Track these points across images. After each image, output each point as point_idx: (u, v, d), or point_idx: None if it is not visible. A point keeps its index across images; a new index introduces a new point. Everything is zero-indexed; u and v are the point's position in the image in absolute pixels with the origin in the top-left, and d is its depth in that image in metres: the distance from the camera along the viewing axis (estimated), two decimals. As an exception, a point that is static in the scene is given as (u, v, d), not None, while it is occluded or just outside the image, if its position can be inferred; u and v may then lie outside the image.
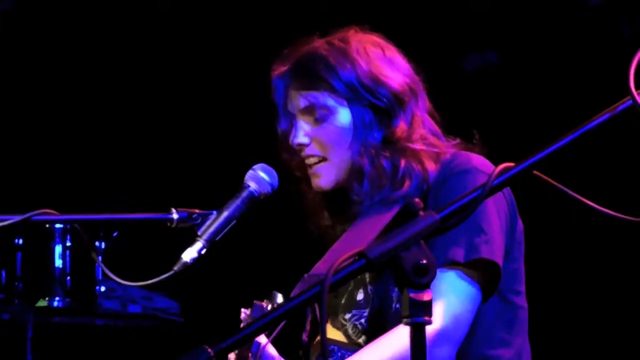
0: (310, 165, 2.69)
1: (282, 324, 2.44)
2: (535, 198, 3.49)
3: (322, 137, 2.66)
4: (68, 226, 5.18)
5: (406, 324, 1.72)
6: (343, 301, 2.71)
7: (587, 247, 5.03)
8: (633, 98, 1.71)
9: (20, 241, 5.31)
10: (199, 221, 2.56)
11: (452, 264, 2.48)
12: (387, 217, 2.56)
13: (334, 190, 2.70)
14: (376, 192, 2.61)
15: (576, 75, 5.03)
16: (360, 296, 2.68)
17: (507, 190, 2.62)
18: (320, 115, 2.66)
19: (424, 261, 1.70)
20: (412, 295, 1.70)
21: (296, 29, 2.78)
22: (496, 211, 2.56)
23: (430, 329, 2.15)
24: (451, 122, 2.76)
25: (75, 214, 2.56)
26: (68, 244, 5.32)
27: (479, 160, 2.61)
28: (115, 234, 5.40)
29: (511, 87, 5.23)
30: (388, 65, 2.66)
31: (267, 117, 2.80)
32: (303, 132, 2.68)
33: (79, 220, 2.58)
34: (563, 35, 5.10)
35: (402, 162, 2.60)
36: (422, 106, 2.70)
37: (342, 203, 2.71)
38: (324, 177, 2.67)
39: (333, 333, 2.68)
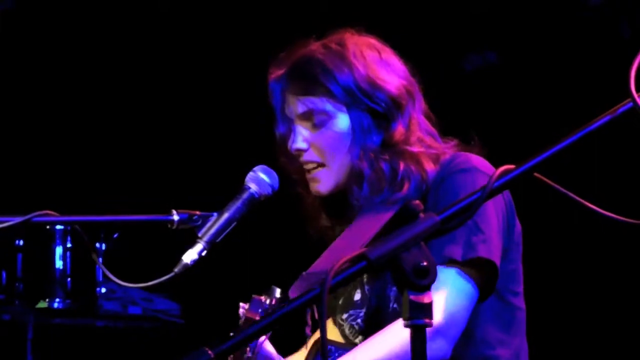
0: (309, 170, 2.69)
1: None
2: (535, 200, 3.49)
3: (321, 143, 2.66)
4: (69, 227, 5.18)
5: (406, 326, 1.72)
6: (340, 301, 2.71)
7: (588, 249, 5.03)
8: (633, 100, 1.71)
9: (21, 242, 5.31)
10: (199, 223, 2.56)
11: (449, 262, 2.48)
12: (385, 217, 2.57)
13: (333, 194, 2.69)
14: (375, 195, 2.61)
15: (576, 76, 5.03)
16: (357, 296, 2.68)
17: (505, 191, 2.62)
18: (318, 121, 2.66)
19: (425, 263, 1.70)
20: (412, 297, 1.70)
21: (295, 29, 2.78)
22: (494, 211, 2.56)
23: None
24: (451, 123, 2.76)
25: (76, 215, 2.56)
26: (68, 245, 5.32)
27: (478, 160, 2.61)
28: (115, 236, 5.39)
29: (511, 87, 5.23)
30: (385, 68, 2.66)
31: (267, 118, 2.79)
32: (302, 138, 2.67)
33: (79, 222, 2.58)
34: (563, 35, 5.10)
35: (401, 165, 2.60)
36: (418, 108, 2.70)
37: (341, 205, 2.71)
38: (323, 182, 2.67)
39: (330, 333, 2.68)
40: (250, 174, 2.63)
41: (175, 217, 2.55)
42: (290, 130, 2.70)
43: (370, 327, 2.57)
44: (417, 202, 1.75)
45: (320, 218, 2.77)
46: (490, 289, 2.54)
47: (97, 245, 5.35)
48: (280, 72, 2.70)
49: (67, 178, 5.88)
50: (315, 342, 2.72)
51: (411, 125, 2.66)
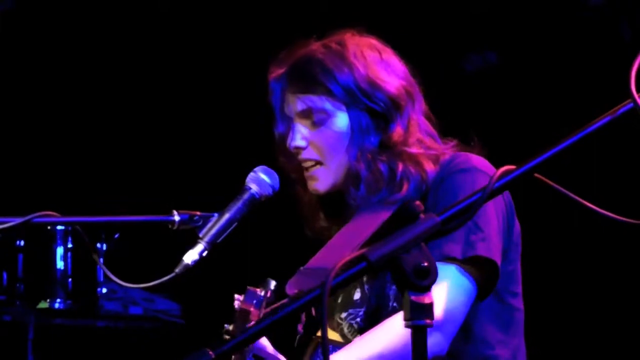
0: (307, 169, 2.70)
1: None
2: (536, 200, 3.49)
3: (320, 141, 2.67)
4: (69, 228, 5.18)
5: (407, 326, 1.72)
6: (339, 300, 2.71)
7: (588, 249, 5.03)
8: (634, 101, 1.71)
9: (22, 243, 5.31)
10: (200, 223, 2.56)
11: (448, 260, 2.48)
12: (383, 217, 2.57)
13: (330, 193, 2.70)
14: (373, 195, 2.62)
15: (577, 76, 5.02)
16: (356, 295, 2.68)
17: (505, 192, 2.62)
18: (317, 119, 2.66)
19: (425, 264, 1.70)
20: (413, 298, 1.70)
21: (296, 30, 2.78)
22: (495, 212, 2.56)
23: None
24: (451, 123, 2.76)
25: (77, 215, 2.56)
26: (69, 245, 5.32)
27: (478, 160, 2.62)
28: (116, 236, 5.40)
29: (511, 88, 5.23)
30: (385, 68, 2.66)
31: (267, 118, 2.80)
32: (300, 136, 2.68)
33: (80, 222, 2.58)
34: (563, 35, 5.10)
35: (400, 166, 2.60)
36: (418, 109, 2.70)
37: (339, 205, 2.71)
38: (321, 180, 2.68)
39: (329, 332, 2.68)
40: (251, 174, 2.63)
41: (176, 218, 2.55)
42: (290, 129, 2.71)
43: (370, 326, 2.56)
44: (418, 202, 1.75)
45: (317, 218, 2.77)
46: (490, 287, 2.54)
47: (98, 245, 5.36)
48: (281, 71, 2.71)
49: (68, 179, 5.88)
50: (312, 341, 2.73)
51: (410, 127, 2.66)
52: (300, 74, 2.67)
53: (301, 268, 2.52)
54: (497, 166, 1.78)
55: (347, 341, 2.63)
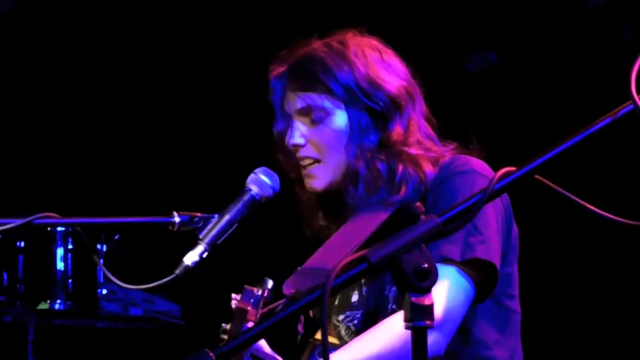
0: (305, 167, 2.70)
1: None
2: (536, 202, 3.49)
3: (318, 139, 2.67)
4: (70, 229, 5.18)
5: (407, 328, 1.72)
6: (337, 302, 2.71)
7: (589, 250, 5.03)
8: (634, 102, 1.71)
9: (22, 244, 5.32)
10: (200, 224, 2.56)
11: (447, 261, 2.48)
12: (381, 217, 2.57)
13: (329, 192, 2.70)
14: (371, 195, 2.62)
15: (577, 77, 5.02)
16: (354, 297, 2.68)
17: (503, 194, 2.62)
18: (316, 117, 2.66)
19: (426, 265, 1.70)
20: (413, 299, 1.70)
21: (296, 30, 2.78)
22: (494, 214, 2.56)
23: None
24: (451, 124, 2.76)
25: (77, 217, 2.56)
26: (70, 246, 5.33)
27: (477, 163, 2.62)
28: (116, 237, 5.40)
29: (511, 88, 5.23)
30: (385, 68, 2.67)
31: (267, 119, 2.80)
32: (299, 133, 2.68)
33: (80, 223, 2.58)
34: (564, 36, 5.10)
35: (399, 167, 2.60)
36: (418, 110, 2.70)
37: (337, 205, 2.71)
38: (318, 178, 2.68)
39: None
40: (251, 175, 2.63)
41: (176, 219, 2.55)
42: (289, 127, 2.71)
43: (367, 328, 2.56)
44: (418, 204, 1.75)
45: (316, 217, 2.77)
46: (489, 290, 2.54)
47: (98, 246, 5.36)
48: (281, 69, 2.71)
49: (68, 180, 5.88)
50: (309, 343, 2.73)
51: (410, 127, 2.66)
52: (300, 72, 2.67)
53: (299, 268, 2.52)
54: (498, 167, 1.78)
55: (344, 343, 2.62)
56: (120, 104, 5.98)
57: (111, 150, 5.98)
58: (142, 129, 5.97)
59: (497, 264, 2.52)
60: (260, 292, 2.43)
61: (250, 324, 2.45)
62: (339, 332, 2.68)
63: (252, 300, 2.42)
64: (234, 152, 5.44)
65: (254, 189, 2.61)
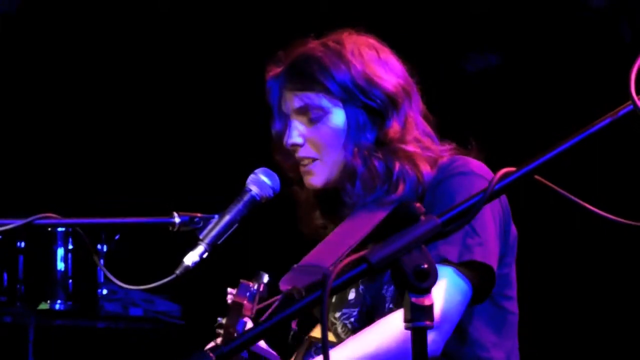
0: (304, 165, 2.69)
1: (271, 309, 2.45)
2: (536, 202, 3.48)
3: (316, 138, 2.67)
4: (70, 229, 5.19)
5: (407, 328, 1.72)
6: (334, 300, 2.71)
7: (589, 251, 5.02)
8: (634, 103, 1.71)
9: (22, 244, 5.32)
10: (200, 225, 2.56)
11: (444, 262, 2.48)
12: (379, 216, 2.57)
13: (327, 191, 2.70)
14: (368, 193, 2.62)
15: (577, 77, 5.02)
16: (351, 295, 2.69)
17: (502, 196, 2.62)
18: (314, 116, 2.66)
19: (425, 265, 1.70)
20: (413, 299, 1.71)
21: (294, 29, 2.79)
22: (492, 215, 2.56)
23: None
24: (450, 124, 2.76)
25: (77, 217, 2.56)
26: (70, 246, 5.33)
27: (476, 164, 2.62)
28: (117, 237, 5.40)
29: (511, 88, 5.22)
30: (382, 67, 2.67)
31: (267, 119, 2.80)
32: (297, 133, 2.68)
33: (80, 224, 2.58)
34: (564, 36, 5.10)
35: (397, 165, 2.60)
36: (416, 108, 2.70)
37: (334, 204, 2.71)
38: (317, 175, 2.68)
39: (320, 331, 2.68)
40: (252, 176, 2.63)
41: (177, 219, 2.55)
42: (287, 127, 2.71)
43: (364, 326, 2.56)
44: (418, 204, 1.75)
45: (314, 216, 2.77)
46: (486, 292, 2.54)
47: (98, 246, 5.36)
48: (279, 69, 2.72)
49: (69, 180, 5.88)
50: (306, 340, 2.73)
51: (407, 124, 2.66)
52: (297, 72, 2.67)
53: (295, 265, 2.52)
54: (497, 168, 1.78)
55: (340, 341, 2.63)
56: (120, 104, 5.98)
57: (111, 150, 5.98)
58: (142, 130, 5.97)
59: (495, 266, 2.52)
60: (256, 287, 2.43)
61: (246, 319, 2.45)
62: (336, 329, 2.68)
63: (248, 294, 2.42)
64: (233, 153, 5.44)
65: (254, 190, 2.61)
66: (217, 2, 5.73)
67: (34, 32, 5.87)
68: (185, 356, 1.69)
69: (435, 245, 2.45)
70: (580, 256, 5.07)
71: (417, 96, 2.72)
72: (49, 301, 5.30)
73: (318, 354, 2.65)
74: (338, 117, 2.65)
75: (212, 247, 2.54)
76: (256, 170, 2.64)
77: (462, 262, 2.48)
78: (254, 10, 5.60)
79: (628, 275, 4.98)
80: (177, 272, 2.50)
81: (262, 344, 2.60)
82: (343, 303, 2.69)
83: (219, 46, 5.77)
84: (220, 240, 2.56)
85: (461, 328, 2.55)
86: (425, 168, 2.61)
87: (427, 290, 1.71)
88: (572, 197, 1.81)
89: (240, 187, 2.63)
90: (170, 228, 2.56)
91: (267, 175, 2.63)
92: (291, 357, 2.75)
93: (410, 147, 2.63)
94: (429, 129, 2.71)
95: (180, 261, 2.51)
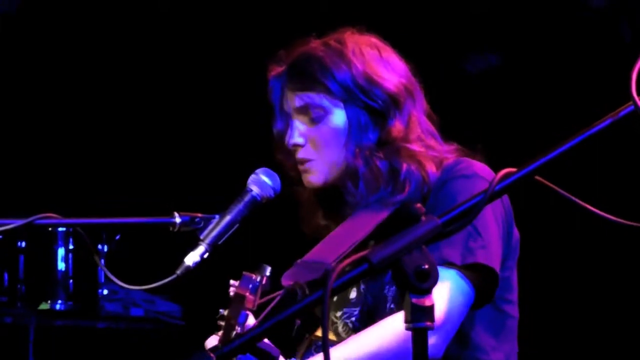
0: (303, 164, 2.69)
1: (273, 303, 2.45)
2: (537, 203, 3.48)
3: (318, 138, 2.66)
4: (71, 229, 5.19)
5: (408, 329, 1.72)
6: (335, 299, 2.71)
7: (590, 251, 5.02)
8: (635, 103, 1.71)
9: (23, 244, 5.32)
10: (201, 225, 2.56)
11: (447, 264, 2.48)
12: (382, 215, 2.57)
13: (328, 191, 2.69)
14: (371, 193, 2.61)
15: (578, 78, 5.02)
16: (352, 294, 2.68)
17: (505, 197, 2.62)
18: (315, 116, 2.66)
19: (426, 266, 1.70)
20: (414, 300, 1.71)
21: (296, 29, 2.79)
22: (494, 218, 2.56)
23: None
24: (451, 124, 2.76)
25: (78, 217, 2.56)
26: (70, 247, 5.33)
27: (480, 167, 2.61)
28: (117, 237, 5.40)
29: (512, 89, 5.22)
30: (384, 66, 2.66)
31: (268, 119, 2.80)
32: (298, 133, 2.68)
33: (81, 224, 2.58)
34: (565, 36, 5.10)
35: (403, 166, 2.60)
36: (419, 107, 2.70)
37: (337, 204, 2.71)
38: (315, 174, 2.67)
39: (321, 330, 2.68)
40: (252, 176, 2.63)
41: (177, 220, 2.55)
42: (288, 126, 2.71)
43: (365, 326, 2.56)
44: (419, 205, 1.75)
45: (316, 216, 2.77)
46: (488, 295, 2.53)
47: (99, 247, 5.37)
48: (280, 69, 2.72)
49: (69, 180, 5.89)
50: (307, 338, 2.73)
51: (411, 124, 2.65)
52: (299, 72, 2.67)
53: (298, 261, 2.52)
54: (498, 168, 1.78)
55: (341, 340, 2.63)
56: (121, 105, 5.98)
57: (112, 150, 5.98)
58: (142, 130, 5.97)
59: (497, 269, 2.52)
60: (258, 279, 2.43)
61: (247, 311, 2.45)
62: (337, 328, 2.68)
63: (250, 287, 2.41)
64: (234, 153, 5.44)
65: (255, 190, 2.61)
66: (217, 2, 5.73)
67: (34, 32, 5.87)
68: (186, 357, 1.69)
69: (437, 248, 2.45)
70: (581, 257, 5.07)
71: (420, 95, 2.71)
72: (49, 301, 5.31)
73: (318, 352, 2.66)
74: (339, 117, 2.65)
75: (212, 248, 2.54)
76: (257, 171, 2.64)
77: (465, 264, 2.48)
78: (255, 10, 5.60)
79: (629, 276, 4.98)
80: (178, 272, 2.50)
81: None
82: (344, 302, 2.69)
83: (219, 46, 5.77)
84: (221, 241, 2.56)
85: (461, 331, 2.54)
86: (431, 168, 2.60)
87: (427, 291, 1.71)
88: (573, 198, 1.81)
89: (241, 187, 2.63)
90: (171, 228, 2.56)
91: (267, 176, 2.63)
92: (292, 351, 2.75)
93: (414, 146, 2.62)
94: (432, 128, 2.71)
95: (181, 261, 2.51)
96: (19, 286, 5.31)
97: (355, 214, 2.63)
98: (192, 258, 2.51)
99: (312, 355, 2.67)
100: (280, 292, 2.49)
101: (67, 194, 5.66)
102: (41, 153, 5.96)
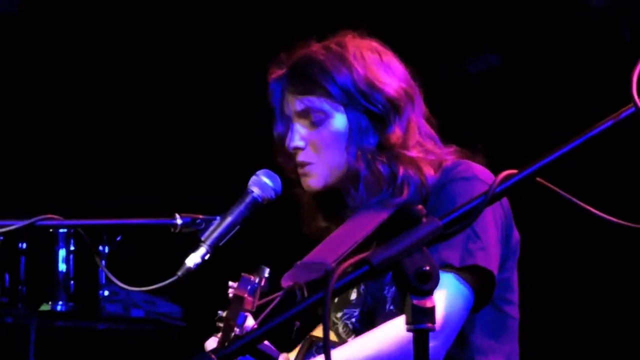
0: (303, 167, 2.69)
1: (272, 304, 2.45)
2: (538, 204, 3.48)
3: (318, 141, 2.67)
4: (72, 230, 5.19)
5: (409, 330, 1.73)
6: (336, 300, 2.71)
7: (590, 253, 5.02)
8: (636, 105, 1.71)
9: (24, 245, 5.32)
10: (202, 226, 2.56)
11: (446, 267, 2.48)
12: (382, 216, 2.56)
13: (329, 194, 2.70)
14: (372, 195, 2.61)
15: (579, 79, 5.02)
16: (353, 295, 2.69)
17: (504, 199, 2.62)
18: (316, 119, 2.66)
19: (427, 268, 1.70)
20: (415, 302, 1.71)
21: (296, 31, 2.79)
22: (493, 220, 2.56)
23: None
24: (451, 125, 2.76)
25: (79, 218, 2.56)
26: (72, 248, 5.33)
27: (479, 170, 2.61)
28: (118, 239, 5.40)
29: (512, 89, 5.23)
30: (384, 70, 2.66)
31: (269, 120, 2.80)
32: (299, 136, 2.68)
33: (82, 225, 2.58)
34: (565, 37, 5.10)
35: (400, 169, 2.60)
36: (418, 111, 2.70)
37: (337, 207, 2.71)
38: (315, 177, 2.67)
39: (322, 331, 2.67)
40: (253, 177, 2.63)
41: (178, 221, 2.55)
42: (289, 130, 2.71)
43: (365, 327, 2.57)
44: (420, 206, 1.75)
45: (316, 219, 2.77)
46: (487, 298, 2.53)
47: (100, 248, 5.36)
48: (281, 72, 2.72)
49: (70, 181, 5.89)
50: (307, 339, 2.73)
51: (409, 129, 2.65)
52: (299, 75, 2.67)
53: (298, 262, 2.52)
54: (499, 170, 1.78)
55: (341, 341, 2.63)
56: (122, 105, 5.98)
57: (113, 151, 5.98)
58: (143, 131, 5.97)
59: (495, 271, 2.52)
60: (257, 280, 2.43)
61: (246, 313, 2.45)
62: (337, 329, 2.68)
63: (249, 288, 2.42)
64: (235, 154, 5.44)
65: (256, 191, 2.61)
66: (218, 3, 5.74)
67: (35, 32, 5.87)
68: (186, 358, 1.69)
69: (437, 250, 2.45)
70: (582, 258, 5.07)
71: (419, 99, 2.71)
72: (50, 302, 5.31)
73: (319, 353, 2.66)
74: (339, 121, 2.65)
75: (213, 249, 2.54)
76: (258, 172, 2.64)
77: (464, 266, 2.48)
78: (256, 12, 5.60)
79: (629, 277, 4.98)
80: (179, 273, 2.50)
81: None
82: (345, 303, 2.69)
83: (220, 47, 5.77)
84: (222, 242, 2.56)
85: (461, 333, 2.54)
86: (429, 171, 2.61)
87: (428, 293, 1.71)
88: (574, 200, 1.81)
89: (242, 189, 2.63)
90: (172, 229, 2.56)
91: (268, 177, 2.63)
92: (291, 352, 2.75)
93: (413, 153, 2.62)
94: (432, 131, 2.71)
95: (182, 263, 2.51)
96: (20, 287, 5.31)
97: (356, 215, 2.63)
98: (193, 259, 2.51)
99: (314, 356, 2.67)
100: (280, 293, 2.49)
101: (68, 195, 5.66)
102: (42, 154, 5.96)
